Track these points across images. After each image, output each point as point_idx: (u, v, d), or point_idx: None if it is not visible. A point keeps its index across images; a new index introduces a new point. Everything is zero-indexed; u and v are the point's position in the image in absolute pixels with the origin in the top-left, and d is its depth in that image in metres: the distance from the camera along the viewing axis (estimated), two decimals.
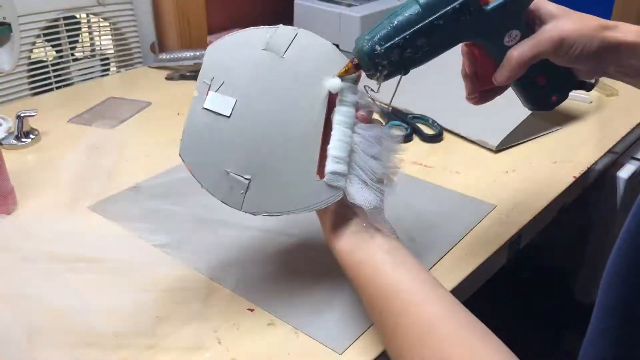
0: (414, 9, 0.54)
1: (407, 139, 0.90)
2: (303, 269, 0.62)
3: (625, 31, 0.54)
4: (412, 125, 0.93)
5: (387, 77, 0.58)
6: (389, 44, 0.55)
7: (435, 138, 0.91)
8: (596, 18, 0.55)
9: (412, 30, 0.54)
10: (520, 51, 0.54)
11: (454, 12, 0.54)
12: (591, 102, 1.06)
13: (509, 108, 0.70)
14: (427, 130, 0.93)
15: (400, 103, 1.01)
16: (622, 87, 1.13)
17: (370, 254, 0.50)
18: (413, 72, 0.57)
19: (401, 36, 0.54)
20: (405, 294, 0.47)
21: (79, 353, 0.51)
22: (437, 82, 0.90)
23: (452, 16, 0.54)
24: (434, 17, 0.54)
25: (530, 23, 0.56)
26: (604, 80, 1.14)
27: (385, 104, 0.66)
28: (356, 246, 0.50)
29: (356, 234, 0.51)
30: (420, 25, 0.55)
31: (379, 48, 0.55)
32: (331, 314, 0.56)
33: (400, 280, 0.48)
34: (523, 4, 0.57)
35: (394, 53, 0.55)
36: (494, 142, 0.88)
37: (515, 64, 0.54)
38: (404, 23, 0.55)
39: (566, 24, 0.54)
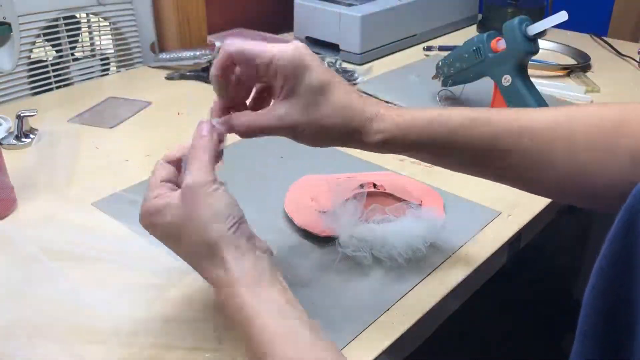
0: (461, 46, 0.95)
1: None
2: (302, 270, 0.62)
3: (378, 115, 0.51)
4: None
5: (444, 83, 1.00)
6: (444, 60, 0.99)
7: None
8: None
9: (453, 55, 0.96)
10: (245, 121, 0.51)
11: (473, 51, 0.92)
12: (592, 102, 1.06)
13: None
14: None
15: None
16: (622, 87, 1.13)
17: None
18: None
19: (449, 58, 0.97)
20: None
21: (79, 351, 0.51)
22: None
23: (472, 53, 0.93)
24: (464, 50, 0.94)
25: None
26: (589, 75, 1.15)
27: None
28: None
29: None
30: (457, 53, 0.96)
31: (441, 62, 1.00)
32: (326, 316, 0.56)
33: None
34: (514, 59, 0.87)
35: (444, 67, 0.98)
36: None
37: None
38: (453, 52, 0.97)
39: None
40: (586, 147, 0.49)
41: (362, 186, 0.68)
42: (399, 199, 0.68)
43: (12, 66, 1.03)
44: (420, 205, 0.68)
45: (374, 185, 0.70)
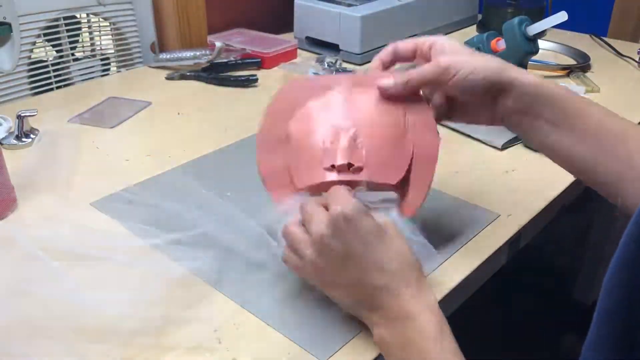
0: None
1: None
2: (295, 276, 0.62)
3: (521, 72, 0.56)
4: None
5: None
6: None
7: None
8: (496, 59, 0.57)
9: None
10: (409, 77, 0.57)
11: (477, 49, 0.87)
12: None
13: None
14: None
15: None
16: (622, 87, 1.13)
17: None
18: None
19: None
20: None
21: (79, 351, 0.51)
22: None
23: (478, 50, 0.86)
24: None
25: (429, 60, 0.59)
26: (589, 75, 1.15)
27: None
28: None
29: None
30: None
31: None
32: (317, 321, 0.56)
33: None
34: (514, 59, 0.83)
35: None
36: (498, 144, 0.88)
37: (401, 87, 0.58)
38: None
39: (454, 56, 0.56)
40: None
41: (333, 166, 0.57)
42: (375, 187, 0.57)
43: (13, 66, 1.03)
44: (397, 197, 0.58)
45: (349, 167, 0.57)
